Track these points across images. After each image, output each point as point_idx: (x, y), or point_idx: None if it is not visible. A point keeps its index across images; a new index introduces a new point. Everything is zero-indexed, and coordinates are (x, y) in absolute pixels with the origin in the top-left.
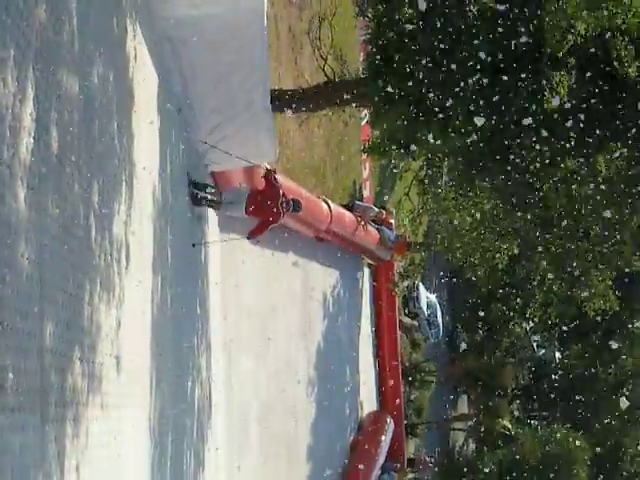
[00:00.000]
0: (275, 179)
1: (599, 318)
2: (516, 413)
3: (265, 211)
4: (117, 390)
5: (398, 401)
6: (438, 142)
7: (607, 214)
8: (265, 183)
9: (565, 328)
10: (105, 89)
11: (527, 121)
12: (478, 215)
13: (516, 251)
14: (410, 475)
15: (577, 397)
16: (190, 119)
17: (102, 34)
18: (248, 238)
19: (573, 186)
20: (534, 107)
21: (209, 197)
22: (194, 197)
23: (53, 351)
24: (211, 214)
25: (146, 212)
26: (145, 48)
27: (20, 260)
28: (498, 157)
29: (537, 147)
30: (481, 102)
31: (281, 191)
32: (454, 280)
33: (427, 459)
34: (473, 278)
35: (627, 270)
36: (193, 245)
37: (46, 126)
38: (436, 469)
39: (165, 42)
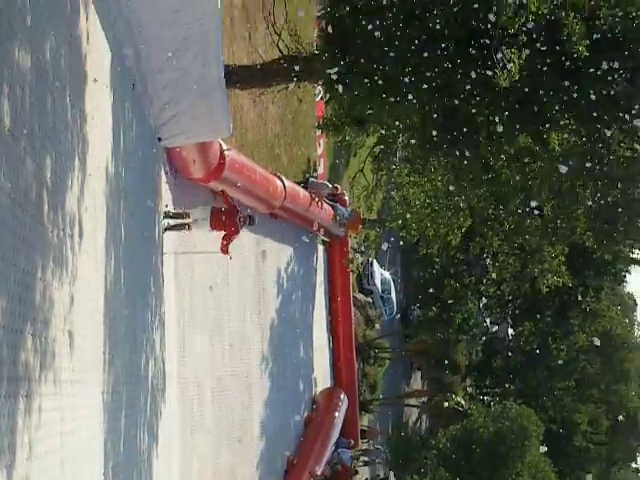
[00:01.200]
0: (231, 198)
1: (552, 295)
2: (469, 389)
3: (226, 226)
4: (70, 366)
5: (351, 377)
6: (391, 118)
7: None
8: (224, 201)
9: (518, 304)
10: (58, 64)
11: (480, 98)
12: (432, 191)
13: (470, 226)
14: (363, 445)
15: (530, 373)
16: (143, 94)
17: (55, 8)
18: (223, 252)
19: (526, 162)
20: (487, 84)
21: (180, 222)
22: (167, 227)
23: (5, 327)
24: (164, 189)
25: (99, 188)
26: (99, 23)
27: None
28: (451, 134)
29: (490, 124)
30: (434, 78)
31: (238, 208)
32: (408, 257)
33: (377, 430)
34: (427, 254)
35: (580, 246)
36: (165, 254)
37: None
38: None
39: (119, 18)
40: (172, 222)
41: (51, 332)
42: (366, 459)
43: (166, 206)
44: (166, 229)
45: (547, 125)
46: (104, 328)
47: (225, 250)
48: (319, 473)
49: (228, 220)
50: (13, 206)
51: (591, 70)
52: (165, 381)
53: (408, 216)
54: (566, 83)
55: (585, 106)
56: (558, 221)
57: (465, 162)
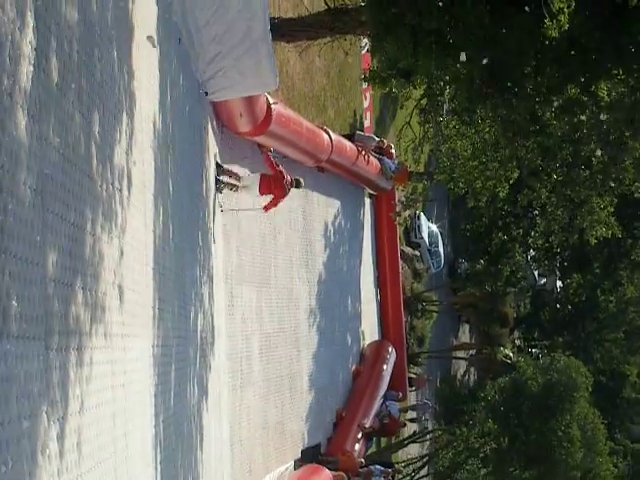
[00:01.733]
0: (278, 164)
1: (601, 246)
2: (517, 342)
3: (275, 190)
4: (120, 319)
5: (399, 331)
6: (438, 70)
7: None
8: (270, 167)
9: (567, 256)
10: (104, 18)
11: (528, 48)
12: (479, 143)
13: (517, 178)
14: (411, 398)
15: (578, 325)
16: (190, 49)
17: None
18: (265, 210)
19: (575, 113)
20: (535, 34)
21: (230, 182)
22: (217, 181)
23: (56, 280)
24: (211, 143)
25: (147, 142)
26: None
27: (22, 188)
28: (500, 85)
29: (538, 75)
30: (482, 30)
31: (285, 174)
32: (456, 210)
33: (425, 376)
34: (474, 207)
35: (629, 197)
36: (221, 210)
37: (46, 54)
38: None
39: None
40: (225, 179)
41: (101, 286)
42: (414, 416)
43: (219, 166)
44: (218, 183)
45: (596, 75)
46: (153, 282)
47: (268, 209)
48: (367, 426)
49: (276, 185)
50: (62, 161)
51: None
52: (214, 335)
53: (455, 168)
54: (615, 32)
55: (634, 55)
56: (607, 172)
57: (513, 113)
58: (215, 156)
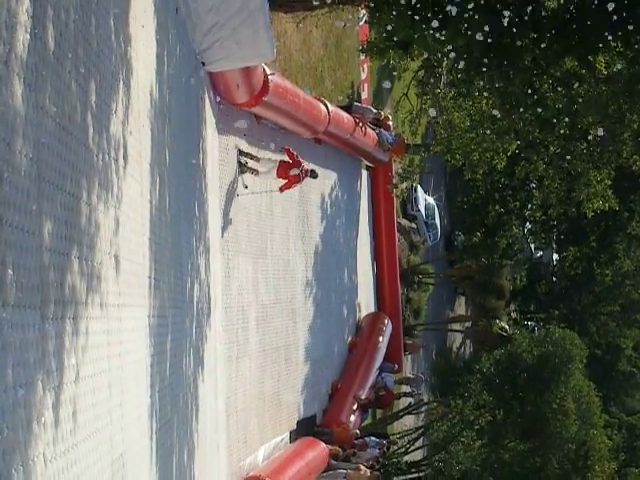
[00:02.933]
0: (296, 155)
1: (597, 219)
2: (513, 314)
3: (290, 176)
4: (116, 289)
5: (395, 303)
6: (436, 42)
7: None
8: (289, 157)
9: (563, 229)
10: None
11: (526, 20)
12: (477, 115)
13: (515, 150)
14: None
15: (574, 298)
16: (187, 19)
17: None
18: (280, 191)
19: (573, 85)
20: (533, 5)
21: (252, 167)
22: (240, 163)
23: (52, 249)
24: (208, 114)
25: (144, 112)
26: None
27: (18, 157)
28: (497, 57)
29: (535, 47)
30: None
31: (302, 162)
32: (453, 182)
33: (419, 342)
34: (471, 179)
35: (626, 170)
36: (245, 187)
37: (43, 23)
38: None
39: None
40: (246, 161)
41: (97, 255)
42: (407, 390)
43: (240, 151)
44: (241, 166)
45: (594, 48)
46: (150, 252)
47: (283, 190)
48: (363, 397)
49: (292, 166)
50: (58, 130)
51: None
52: (210, 306)
53: (453, 140)
54: (615, 6)
55: (632, 28)
56: (605, 145)
57: (510, 85)
58: (235, 146)
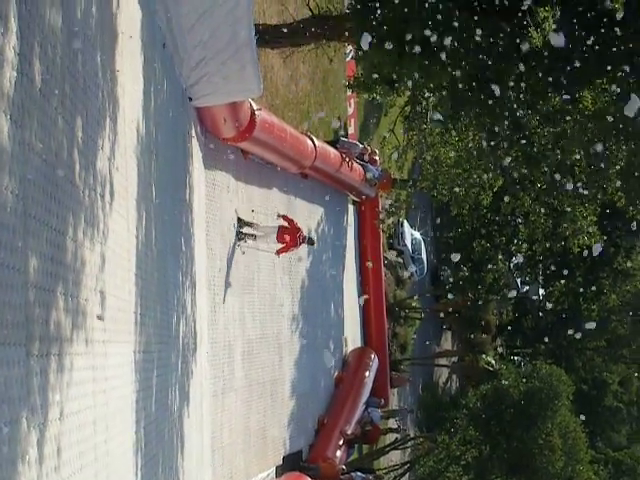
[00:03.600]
0: (295, 222)
1: (584, 255)
2: (500, 349)
3: (289, 241)
4: (102, 325)
5: (381, 337)
6: (423, 78)
7: (595, 149)
8: (288, 224)
9: (549, 264)
10: (88, 23)
11: (512, 57)
12: (463, 151)
13: (501, 186)
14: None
15: (561, 333)
16: (174, 54)
17: None
18: (277, 254)
19: (559, 122)
20: (519, 43)
21: (250, 233)
22: (238, 232)
23: (38, 286)
24: (195, 150)
25: (130, 148)
26: None
27: (4, 193)
28: (483, 93)
29: (523, 83)
30: (466, 37)
31: (300, 229)
32: (439, 217)
33: (405, 376)
34: (458, 214)
35: (612, 206)
36: (243, 253)
37: (29, 60)
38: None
39: None
40: (245, 230)
41: (83, 292)
42: (394, 426)
43: (240, 219)
44: (240, 234)
45: (580, 84)
46: (136, 288)
47: (280, 253)
48: (350, 432)
49: (291, 236)
50: (44, 166)
51: (625, 29)
52: (196, 341)
53: (439, 176)
54: (602, 42)
55: (618, 65)
56: (591, 181)
57: (496, 121)
58: (236, 211)
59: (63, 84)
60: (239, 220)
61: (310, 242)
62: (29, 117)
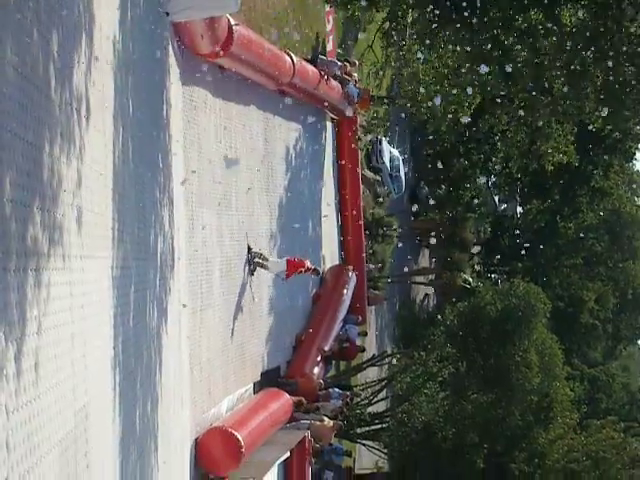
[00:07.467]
0: (300, 260)
1: (561, 173)
2: (477, 267)
3: (296, 269)
4: (79, 241)
5: (359, 255)
6: None
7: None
8: (297, 261)
9: (527, 183)
10: None
11: None
12: (442, 68)
13: (479, 104)
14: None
15: (538, 251)
16: None
17: None
18: (284, 279)
19: (537, 38)
20: None
21: (261, 262)
22: (249, 260)
23: (14, 201)
24: (172, 65)
25: (107, 63)
26: None
27: None
28: (462, 9)
29: None
30: None
31: (305, 264)
32: (417, 135)
33: (382, 295)
34: (436, 132)
35: (589, 124)
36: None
37: None
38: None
39: None
40: (257, 260)
41: (60, 207)
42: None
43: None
44: (251, 264)
45: (560, 1)
46: (113, 204)
47: (288, 277)
48: (327, 349)
49: (298, 266)
50: (20, 80)
51: None
52: (174, 257)
53: (418, 91)
54: None
55: None
56: (568, 99)
57: (475, 37)
58: (246, 234)
59: None
60: (249, 249)
61: (316, 272)
62: (3, 29)
